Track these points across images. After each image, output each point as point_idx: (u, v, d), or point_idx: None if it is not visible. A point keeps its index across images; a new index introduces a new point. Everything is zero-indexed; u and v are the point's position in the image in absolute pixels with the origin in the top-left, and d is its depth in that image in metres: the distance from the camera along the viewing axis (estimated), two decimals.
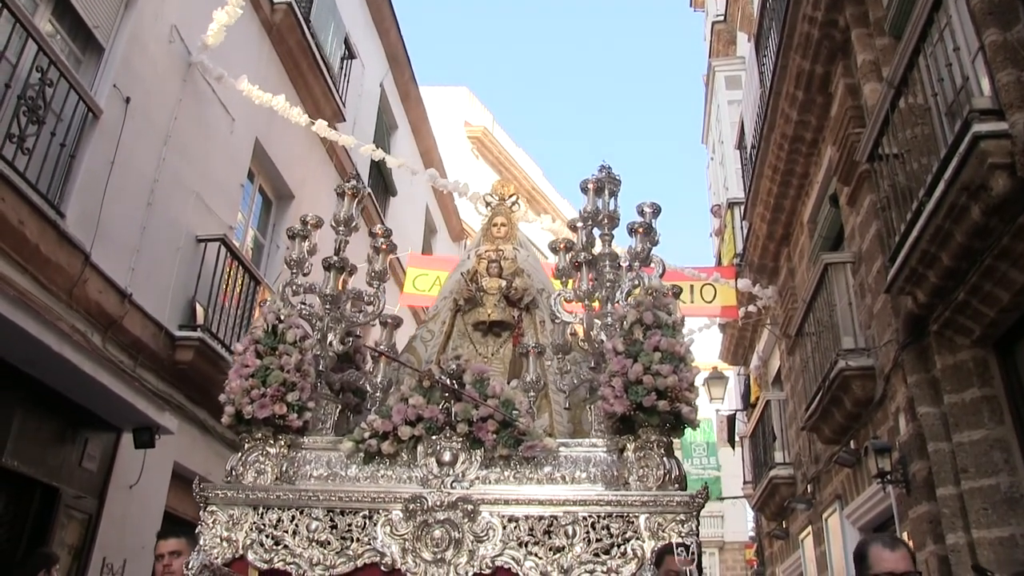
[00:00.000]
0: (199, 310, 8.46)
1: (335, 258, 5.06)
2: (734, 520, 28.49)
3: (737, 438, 15.24)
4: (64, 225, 6.51)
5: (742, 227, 12.96)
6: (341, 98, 12.15)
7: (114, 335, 7.32)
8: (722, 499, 21.19)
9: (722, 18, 16.88)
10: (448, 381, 4.37)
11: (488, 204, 6.25)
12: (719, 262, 14.49)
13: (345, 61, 12.67)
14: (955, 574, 5.59)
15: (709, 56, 17.26)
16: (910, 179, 5.93)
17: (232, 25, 8.55)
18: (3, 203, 5.79)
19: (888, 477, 6.75)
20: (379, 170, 14.83)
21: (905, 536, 6.74)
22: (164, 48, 8.14)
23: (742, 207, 12.75)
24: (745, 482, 15.05)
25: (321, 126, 9.46)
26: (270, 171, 10.84)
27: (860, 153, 6.95)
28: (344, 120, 12.26)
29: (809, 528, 10.53)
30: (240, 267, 9.16)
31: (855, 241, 8.05)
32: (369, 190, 13.83)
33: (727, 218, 13.82)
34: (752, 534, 18.40)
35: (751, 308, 12.10)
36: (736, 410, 16.06)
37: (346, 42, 12.62)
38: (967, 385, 5.88)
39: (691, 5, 20.91)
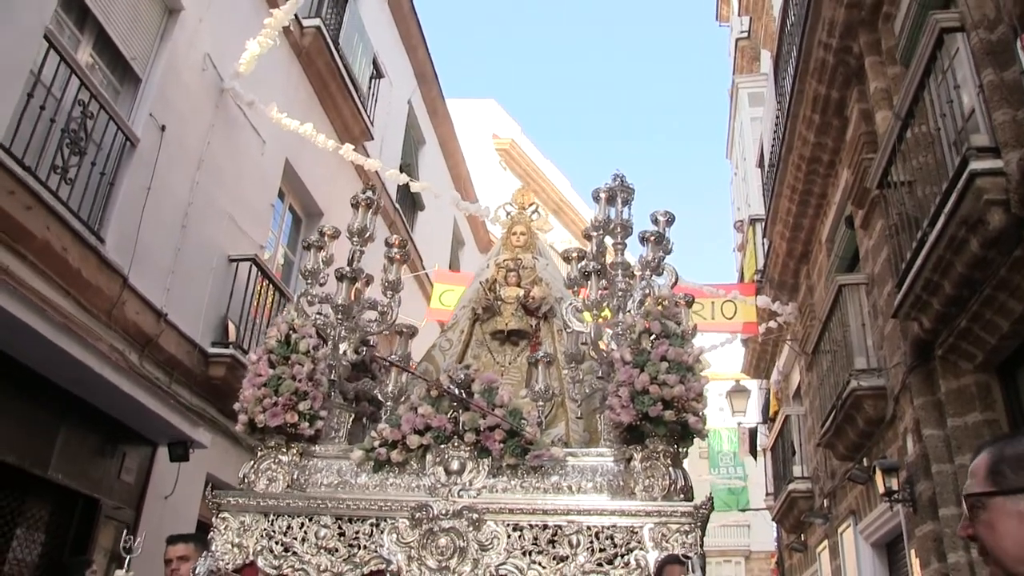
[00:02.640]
0: (231, 328, 8.78)
1: (347, 269, 5.13)
2: (760, 530, 28.43)
3: (759, 449, 15.37)
4: (104, 250, 6.84)
5: (763, 243, 13.12)
6: (370, 117, 12.46)
7: (150, 353, 7.64)
8: (744, 510, 21.23)
9: (746, 35, 17.03)
10: (456, 390, 4.43)
11: (508, 213, 6.26)
12: (742, 277, 14.65)
13: (373, 80, 12.98)
14: None
15: (733, 72, 17.42)
16: (917, 207, 6.11)
17: (254, 40, 8.87)
18: (48, 232, 6.13)
19: (896, 496, 6.91)
20: (407, 184, 15.14)
21: (912, 554, 6.90)
22: (197, 76, 8.49)
23: (763, 224, 12.91)
24: (767, 494, 15.17)
25: (348, 150, 9.77)
26: (299, 190, 11.17)
27: (871, 180, 7.13)
28: (372, 139, 12.59)
29: (825, 542, 10.68)
30: (270, 285, 9.48)
31: (868, 263, 8.22)
32: (397, 205, 14.21)
33: (749, 234, 13.98)
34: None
35: (771, 324, 12.25)
36: (758, 423, 16.20)
37: (374, 61, 12.93)
38: (970, 409, 6.04)
39: (717, 19, 21.07)
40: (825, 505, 10.58)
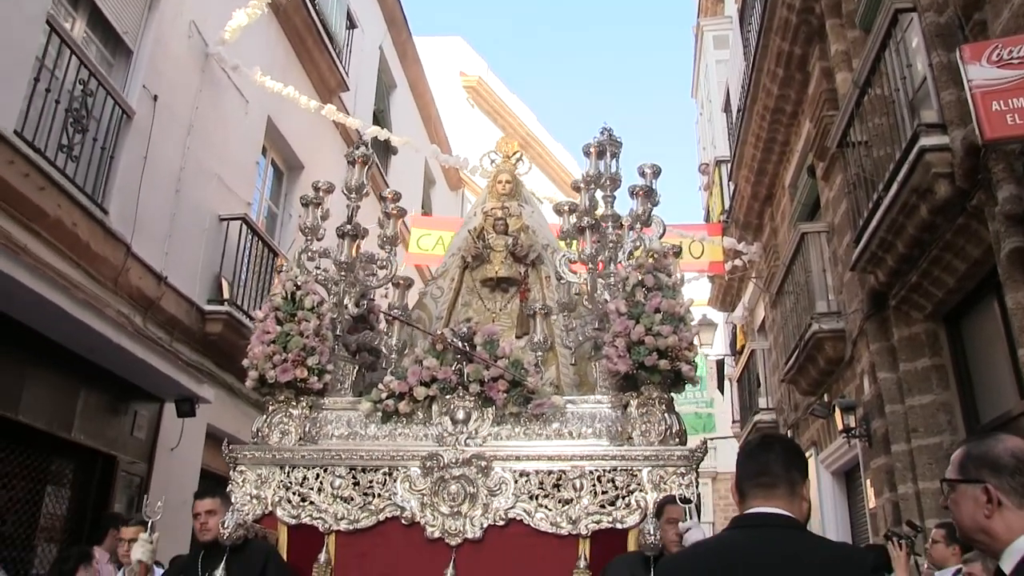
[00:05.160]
0: (224, 285, 9.15)
1: (348, 225, 5.29)
2: (726, 454, 29.57)
3: (726, 380, 16.07)
4: (108, 222, 7.16)
5: (729, 186, 13.60)
6: (345, 68, 12.65)
7: (153, 315, 8.01)
8: (711, 439, 22.14)
9: None
10: (460, 344, 4.65)
11: (492, 162, 6.37)
12: (708, 216, 15.15)
13: (347, 31, 13.13)
14: (904, 518, 6.44)
15: (698, 14, 17.64)
16: (874, 167, 6.60)
17: (241, 9, 9.06)
18: (59, 209, 6.44)
19: (853, 432, 7.56)
20: (379, 126, 15.34)
21: (868, 484, 7.59)
22: (184, 44, 8.68)
23: (728, 166, 13.38)
24: (734, 421, 15.94)
25: (330, 111, 10.03)
26: (281, 145, 11.42)
27: (831, 140, 7.60)
28: (348, 90, 12.79)
29: None
30: (259, 241, 9.83)
31: (829, 213, 8.74)
32: (371, 151, 14.45)
33: (715, 175, 14.45)
34: None
35: (737, 263, 12.81)
36: (724, 355, 16.91)
37: (348, 13, 13.07)
38: (920, 355, 6.67)
39: None
40: (789, 435, 11.31)
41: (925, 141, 5.38)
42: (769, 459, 2.15)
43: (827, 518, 9.58)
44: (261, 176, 11.12)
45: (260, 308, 9.51)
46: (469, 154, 19.73)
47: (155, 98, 8.03)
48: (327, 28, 11.79)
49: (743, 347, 13.85)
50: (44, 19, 6.37)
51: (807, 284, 8.99)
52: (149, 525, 4.38)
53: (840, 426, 7.68)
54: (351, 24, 13.35)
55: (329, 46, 11.86)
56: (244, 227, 9.47)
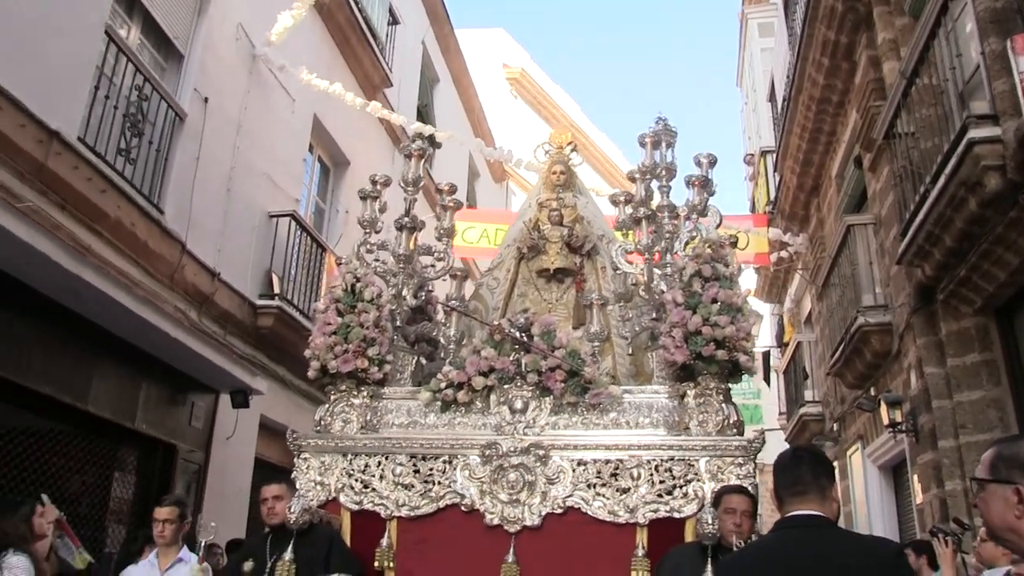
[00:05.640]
0: (275, 280, 9.36)
1: (406, 218, 5.38)
2: (773, 447, 29.39)
3: (772, 372, 15.97)
4: (165, 221, 7.39)
5: (774, 176, 13.51)
6: (388, 65, 12.79)
7: (207, 310, 8.25)
8: (761, 432, 21.97)
9: None
10: (518, 334, 4.67)
11: (546, 152, 6.38)
12: (753, 206, 15.06)
13: (390, 27, 13.27)
14: (951, 515, 6.40)
15: (743, 2, 17.45)
16: (921, 159, 6.52)
17: (287, 11, 9.23)
18: (119, 210, 6.67)
19: (900, 427, 7.51)
20: (423, 121, 15.48)
21: (915, 479, 7.55)
22: (232, 46, 8.88)
23: (774, 156, 13.28)
24: (780, 413, 15.85)
25: (376, 108, 10.16)
26: (327, 142, 11.59)
27: (877, 132, 7.54)
28: (391, 85, 12.94)
29: (835, 464, 11.37)
30: (307, 236, 10.01)
31: (876, 205, 8.66)
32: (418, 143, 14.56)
33: (760, 166, 14.35)
34: None
35: (783, 254, 12.72)
36: (770, 347, 16.79)
37: (390, 9, 13.19)
38: (969, 350, 6.58)
39: None
40: (835, 429, 11.25)
41: (974, 133, 5.30)
42: (801, 471, 2.56)
43: (874, 512, 9.52)
44: (308, 173, 11.30)
45: (312, 302, 9.73)
46: (513, 146, 19.80)
47: (206, 100, 8.23)
48: (370, 25, 11.93)
49: (789, 339, 13.77)
50: (103, 28, 6.58)
51: (854, 277, 8.92)
52: (201, 548, 4.48)
53: (886, 421, 7.64)
54: (393, 20, 13.48)
55: (372, 43, 12.01)
56: (293, 223, 9.66)
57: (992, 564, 4.46)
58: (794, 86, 10.56)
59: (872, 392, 8.99)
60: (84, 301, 6.03)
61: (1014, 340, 6.38)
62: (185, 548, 4.82)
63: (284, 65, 9.40)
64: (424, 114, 15.42)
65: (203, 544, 4.47)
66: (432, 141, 13.47)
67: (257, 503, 4.69)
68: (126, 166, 6.86)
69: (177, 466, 7.76)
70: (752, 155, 14.98)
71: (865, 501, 9.60)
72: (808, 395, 12.46)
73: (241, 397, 8.28)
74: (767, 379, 15.96)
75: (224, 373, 7.84)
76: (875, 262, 8.63)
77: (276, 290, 9.31)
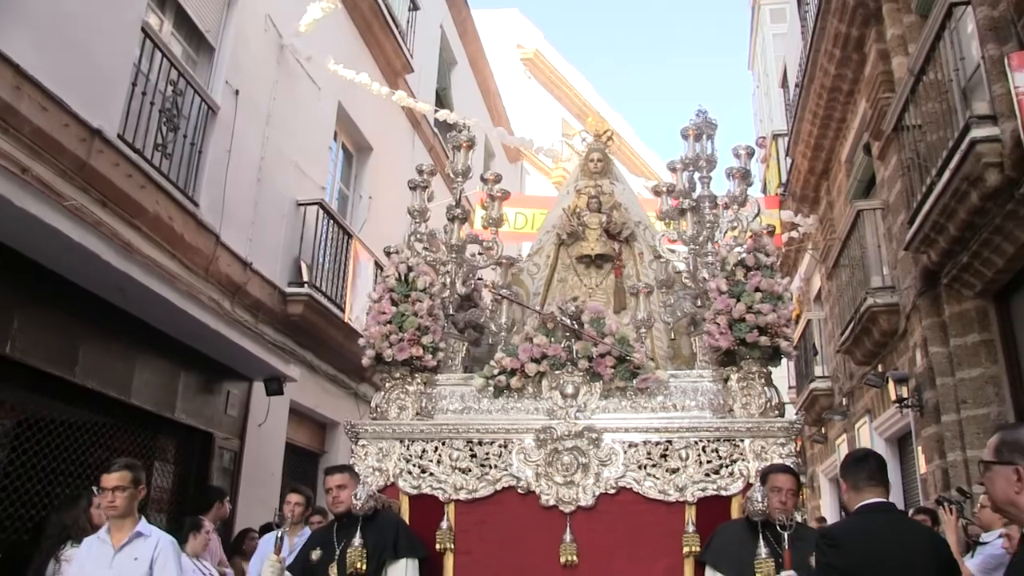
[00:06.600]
0: (304, 267, 9.67)
1: (457, 209, 5.53)
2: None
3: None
4: (199, 214, 7.69)
5: (786, 160, 13.76)
6: (409, 50, 13.05)
7: (240, 299, 8.54)
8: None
9: None
10: (568, 322, 4.85)
11: (583, 140, 6.51)
12: (764, 188, 15.31)
13: (410, 13, 13.52)
14: (952, 484, 6.77)
15: None
16: (928, 150, 6.84)
17: (315, 2, 9.51)
18: (157, 205, 6.99)
19: (905, 402, 7.87)
20: (442, 105, 15.74)
21: (919, 451, 7.91)
22: (261, 38, 9.15)
23: (786, 140, 13.53)
24: (790, 387, 16.17)
25: (401, 97, 10.46)
26: (351, 129, 11.88)
27: (887, 124, 7.82)
28: (413, 71, 13.20)
29: (844, 436, 11.74)
30: (334, 223, 10.32)
31: (884, 191, 8.95)
32: (436, 130, 14.87)
33: (771, 149, 14.60)
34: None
35: (794, 234, 13.00)
36: None
37: None
38: (969, 330, 6.95)
39: None
40: (844, 403, 11.60)
41: (976, 132, 5.63)
42: (870, 466, 3.33)
43: None
44: (332, 160, 11.60)
45: (340, 289, 9.99)
46: (527, 126, 20.07)
47: (236, 92, 8.51)
48: (391, 12, 12.18)
49: (799, 315, 14.08)
50: (140, 26, 6.86)
51: (862, 259, 9.24)
52: (279, 541, 4.52)
53: (893, 396, 7.99)
54: (413, 5, 13.72)
55: (394, 29, 12.26)
56: (320, 211, 9.95)
57: (989, 527, 4.86)
58: (806, 75, 10.81)
59: (880, 369, 9.32)
60: (130, 297, 6.28)
61: (1010, 322, 6.74)
62: (143, 520, 4.21)
63: (311, 55, 9.68)
64: (443, 98, 15.68)
65: (281, 536, 4.56)
66: (451, 125, 13.77)
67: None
68: (163, 161, 7.16)
69: (214, 454, 8.04)
70: (764, 138, 15.21)
71: None
72: (818, 371, 12.79)
73: (275, 384, 8.55)
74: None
75: (258, 361, 8.11)
76: (883, 245, 8.95)
77: (305, 278, 9.58)
